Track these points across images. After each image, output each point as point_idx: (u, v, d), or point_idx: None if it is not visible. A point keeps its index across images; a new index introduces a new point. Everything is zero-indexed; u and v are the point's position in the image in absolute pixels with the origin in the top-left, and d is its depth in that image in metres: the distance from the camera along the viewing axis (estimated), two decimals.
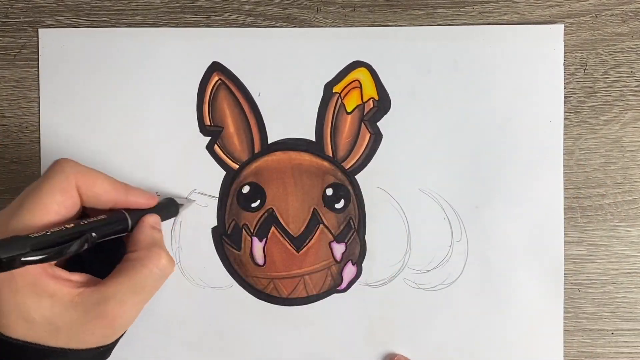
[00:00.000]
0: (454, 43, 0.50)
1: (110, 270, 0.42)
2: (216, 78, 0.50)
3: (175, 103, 0.50)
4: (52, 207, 0.39)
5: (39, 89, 0.50)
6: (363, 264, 0.51)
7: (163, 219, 0.47)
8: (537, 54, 0.50)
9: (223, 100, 0.50)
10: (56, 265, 0.40)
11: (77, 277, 0.40)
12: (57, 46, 0.50)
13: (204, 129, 0.50)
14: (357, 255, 0.51)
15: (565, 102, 0.50)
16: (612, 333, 0.51)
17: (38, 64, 0.50)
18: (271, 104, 0.50)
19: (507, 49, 0.50)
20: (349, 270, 0.51)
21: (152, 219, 0.44)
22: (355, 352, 0.50)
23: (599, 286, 0.51)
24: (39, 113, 0.50)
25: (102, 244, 0.42)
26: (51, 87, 0.50)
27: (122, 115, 0.50)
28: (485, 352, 0.50)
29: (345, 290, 0.51)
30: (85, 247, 0.39)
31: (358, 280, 0.51)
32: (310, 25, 0.51)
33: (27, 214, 0.38)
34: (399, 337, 0.50)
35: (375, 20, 0.51)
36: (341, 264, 0.51)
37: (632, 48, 0.51)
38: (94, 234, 0.40)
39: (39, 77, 0.50)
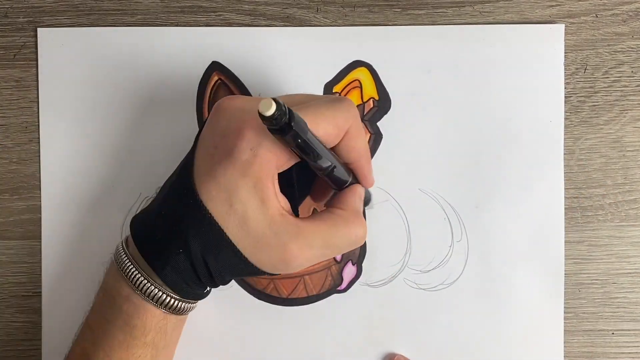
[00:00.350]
0: (454, 43, 0.50)
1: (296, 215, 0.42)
2: (216, 78, 0.50)
3: (175, 102, 0.50)
4: (319, 132, 0.39)
5: (38, 89, 0.50)
6: (363, 264, 0.50)
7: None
8: (538, 54, 0.50)
9: None
10: None
11: (284, 201, 0.41)
12: (57, 46, 0.50)
13: None
14: (357, 255, 0.51)
15: (565, 102, 0.50)
16: (613, 333, 0.51)
17: (37, 63, 0.50)
18: None
19: (508, 49, 0.50)
20: (349, 271, 0.51)
21: (361, 189, 0.44)
22: (355, 352, 0.50)
23: (599, 286, 0.51)
24: (38, 113, 0.50)
25: (304, 185, 0.43)
26: (51, 87, 0.50)
27: (122, 115, 0.50)
28: (485, 352, 0.50)
29: (345, 290, 0.51)
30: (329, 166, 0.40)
31: (358, 280, 0.51)
32: (310, 25, 0.51)
33: (297, 119, 0.37)
34: (399, 337, 0.50)
35: (375, 20, 0.51)
36: (341, 264, 0.51)
37: (632, 48, 0.51)
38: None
39: (38, 77, 0.50)
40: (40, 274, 0.50)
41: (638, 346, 0.51)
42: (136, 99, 0.50)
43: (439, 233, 0.50)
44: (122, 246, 0.42)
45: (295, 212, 0.42)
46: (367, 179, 0.45)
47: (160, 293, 0.41)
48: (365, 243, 0.50)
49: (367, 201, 0.48)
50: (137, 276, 0.41)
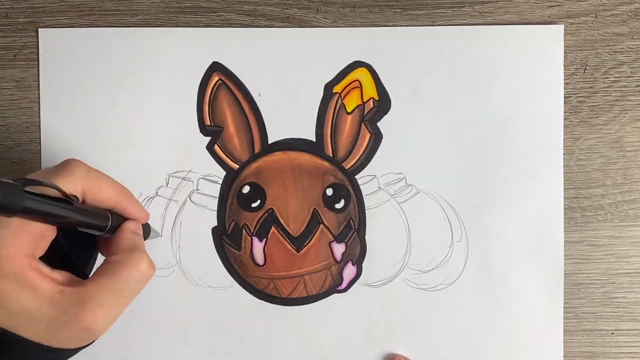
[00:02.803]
0: (454, 43, 0.50)
1: (87, 277, 0.41)
2: (216, 78, 0.50)
3: (176, 103, 0.50)
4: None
5: (39, 89, 0.50)
6: (363, 264, 0.51)
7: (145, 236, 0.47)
8: (538, 54, 0.50)
9: (223, 100, 0.50)
10: (40, 259, 0.40)
11: (59, 275, 0.40)
12: (58, 46, 0.50)
13: (204, 129, 0.50)
14: (357, 255, 0.51)
15: (565, 102, 0.50)
16: (612, 333, 0.51)
17: (38, 64, 0.50)
18: (271, 104, 0.50)
19: (508, 49, 0.50)
20: (349, 270, 0.51)
21: (132, 224, 0.44)
22: (355, 352, 0.50)
23: (599, 286, 0.51)
24: (39, 113, 0.50)
25: (82, 246, 0.42)
26: (51, 87, 0.50)
27: (122, 115, 0.50)
28: (485, 352, 0.50)
29: (345, 290, 0.51)
30: (70, 213, 0.39)
31: (358, 280, 0.51)
32: (310, 25, 0.51)
33: None
34: (398, 337, 0.50)
35: (375, 21, 0.51)
36: (341, 264, 0.51)
37: (632, 48, 0.51)
38: (78, 206, 0.40)
39: (39, 77, 0.50)
40: None
41: (638, 346, 0.51)
42: (137, 99, 0.50)
43: (439, 233, 0.50)
44: None
45: (83, 274, 0.42)
46: (136, 216, 0.44)
47: None
48: (365, 243, 0.50)
49: (146, 235, 0.47)
50: None
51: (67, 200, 0.38)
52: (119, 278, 0.40)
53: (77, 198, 0.41)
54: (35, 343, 0.39)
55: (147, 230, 0.47)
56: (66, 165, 0.41)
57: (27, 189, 0.35)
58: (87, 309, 0.39)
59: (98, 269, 0.41)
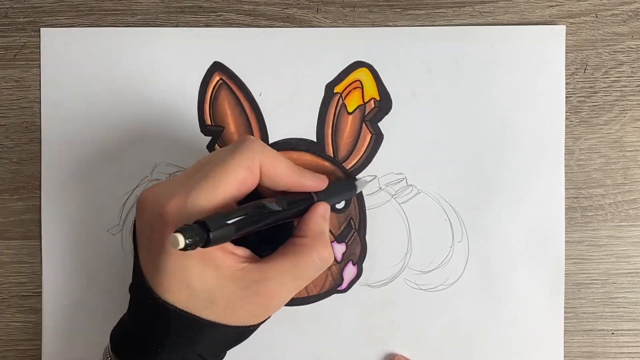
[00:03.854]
0: (455, 43, 0.50)
1: (268, 249, 0.42)
2: (217, 78, 0.50)
3: (176, 103, 0.50)
4: (235, 182, 0.39)
5: (39, 89, 0.50)
6: (364, 265, 0.51)
7: (338, 200, 0.48)
8: (539, 54, 0.50)
9: (224, 100, 0.50)
10: None
11: (241, 251, 0.40)
12: (59, 45, 0.50)
13: (204, 129, 0.50)
14: (358, 255, 0.51)
15: (565, 102, 0.50)
16: (612, 333, 0.51)
17: (39, 63, 0.50)
18: (272, 104, 0.50)
19: (509, 50, 0.50)
20: (350, 271, 0.51)
21: (322, 207, 0.44)
22: (355, 352, 0.50)
23: (599, 286, 0.51)
24: (39, 113, 0.50)
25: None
26: (52, 87, 0.50)
27: (123, 115, 0.50)
28: (485, 352, 0.50)
29: (345, 290, 0.51)
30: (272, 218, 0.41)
31: (358, 280, 0.51)
32: (310, 25, 0.51)
33: (211, 185, 0.38)
34: (399, 337, 0.50)
35: (376, 21, 0.51)
36: (342, 264, 0.51)
37: (632, 48, 0.51)
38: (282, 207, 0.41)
39: (39, 76, 0.50)
40: (41, 274, 0.50)
41: (638, 346, 0.51)
42: (137, 99, 0.50)
43: (439, 234, 0.50)
44: (108, 352, 0.42)
45: (261, 252, 0.42)
46: (313, 186, 0.44)
47: None
48: (366, 243, 0.50)
49: (350, 192, 0.48)
50: None
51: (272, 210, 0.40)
52: (302, 263, 0.41)
53: (284, 203, 0.42)
54: (211, 322, 0.39)
55: (350, 188, 0.48)
56: (245, 142, 0.41)
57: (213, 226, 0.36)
58: (267, 287, 0.40)
59: (281, 248, 0.42)
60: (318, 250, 0.41)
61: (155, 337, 0.40)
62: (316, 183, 0.45)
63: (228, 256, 0.39)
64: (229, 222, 0.37)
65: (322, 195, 0.45)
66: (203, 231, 0.35)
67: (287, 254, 0.41)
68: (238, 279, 0.39)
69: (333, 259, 0.43)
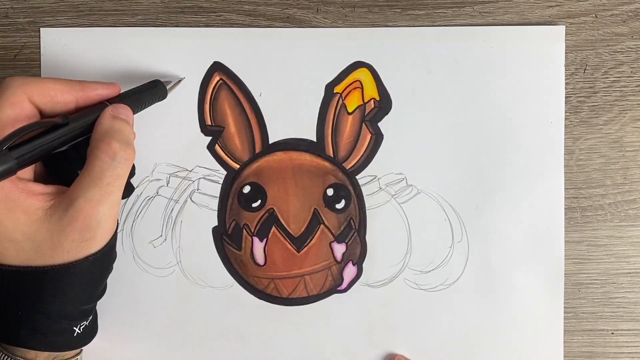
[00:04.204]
0: (455, 43, 0.50)
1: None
2: (217, 78, 0.50)
3: (176, 103, 0.50)
4: (7, 122, 0.38)
5: None
6: (363, 264, 0.51)
7: (146, 104, 0.46)
8: (539, 55, 0.50)
9: (224, 100, 0.50)
10: (33, 181, 0.40)
11: (50, 188, 0.40)
12: (59, 45, 0.50)
13: (205, 129, 0.50)
14: (358, 255, 0.51)
15: (565, 102, 0.50)
16: (612, 333, 0.51)
17: (39, 63, 0.50)
18: (272, 104, 0.50)
19: (509, 50, 0.50)
20: (350, 271, 0.51)
21: (112, 108, 0.42)
22: (355, 352, 0.50)
23: (599, 286, 0.51)
24: None
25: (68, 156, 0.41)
26: None
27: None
28: (485, 352, 0.50)
29: (345, 290, 0.51)
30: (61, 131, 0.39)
31: (358, 280, 0.51)
32: (310, 25, 0.51)
33: None
34: (399, 337, 0.50)
35: (375, 21, 0.51)
36: (342, 264, 0.51)
37: (632, 48, 0.51)
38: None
39: (40, 76, 0.50)
40: None
41: (637, 346, 0.51)
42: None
43: (439, 234, 0.50)
44: None
45: (72, 178, 0.41)
46: (101, 94, 0.42)
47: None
48: (366, 243, 0.50)
49: (159, 94, 0.46)
50: None
51: (57, 125, 0.38)
52: (93, 167, 0.39)
53: (66, 117, 0.39)
54: (49, 267, 0.38)
55: (159, 90, 0.46)
56: (3, 83, 0.40)
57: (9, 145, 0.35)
58: (77, 208, 0.38)
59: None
60: (102, 148, 0.39)
61: (6, 304, 0.39)
62: (104, 90, 0.43)
63: (35, 197, 0.38)
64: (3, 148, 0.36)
65: (120, 102, 0.43)
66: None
67: (83, 169, 0.40)
68: (51, 215, 0.38)
69: (129, 148, 0.41)
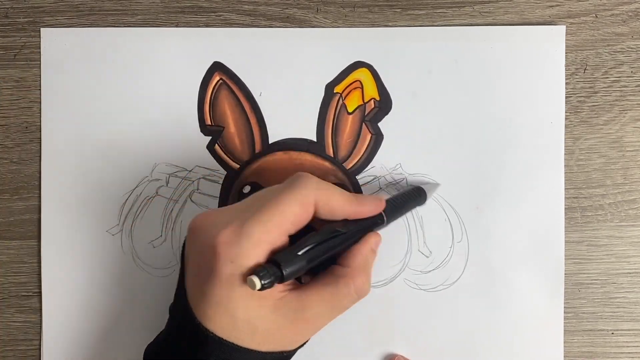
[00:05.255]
0: (455, 43, 0.50)
1: (307, 275, 0.43)
2: (217, 78, 0.50)
3: (176, 103, 0.50)
4: (289, 217, 0.39)
5: (40, 89, 0.50)
6: None
7: (407, 211, 0.48)
8: (539, 55, 0.50)
9: (224, 100, 0.50)
10: None
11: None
12: (59, 45, 0.50)
13: (204, 129, 0.50)
14: None
15: (565, 102, 0.50)
16: (612, 333, 0.51)
17: (39, 63, 0.50)
18: (272, 104, 0.50)
19: (509, 50, 0.50)
20: None
21: (374, 240, 0.44)
22: (355, 352, 0.50)
23: (599, 286, 0.51)
24: (39, 113, 0.50)
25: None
26: (53, 87, 0.50)
27: (123, 115, 0.50)
28: (485, 352, 0.50)
29: None
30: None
31: None
32: (310, 25, 0.51)
33: (265, 218, 0.39)
34: (398, 337, 0.50)
35: (375, 21, 0.51)
36: None
37: (632, 48, 0.51)
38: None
39: (39, 77, 0.50)
40: (40, 274, 0.50)
41: (638, 346, 0.51)
42: (137, 99, 0.50)
43: (439, 234, 0.50)
44: None
45: (301, 278, 0.43)
46: (371, 211, 0.44)
47: None
48: None
49: (418, 201, 0.48)
50: None
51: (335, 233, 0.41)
52: (340, 293, 0.41)
53: (347, 227, 0.42)
54: (252, 350, 0.40)
55: (419, 197, 0.48)
56: (299, 178, 0.41)
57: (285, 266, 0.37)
58: (305, 316, 0.40)
59: (321, 275, 0.42)
60: (357, 282, 0.41)
61: None
62: (374, 207, 0.44)
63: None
64: (300, 253, 0.38)
65: (389, 211, 0.45)
66: (277, 269, 0.37)
67: (326, 283, 0.41)
68: (278, 308, 0.39)
69: (369, 291, 0.43)
